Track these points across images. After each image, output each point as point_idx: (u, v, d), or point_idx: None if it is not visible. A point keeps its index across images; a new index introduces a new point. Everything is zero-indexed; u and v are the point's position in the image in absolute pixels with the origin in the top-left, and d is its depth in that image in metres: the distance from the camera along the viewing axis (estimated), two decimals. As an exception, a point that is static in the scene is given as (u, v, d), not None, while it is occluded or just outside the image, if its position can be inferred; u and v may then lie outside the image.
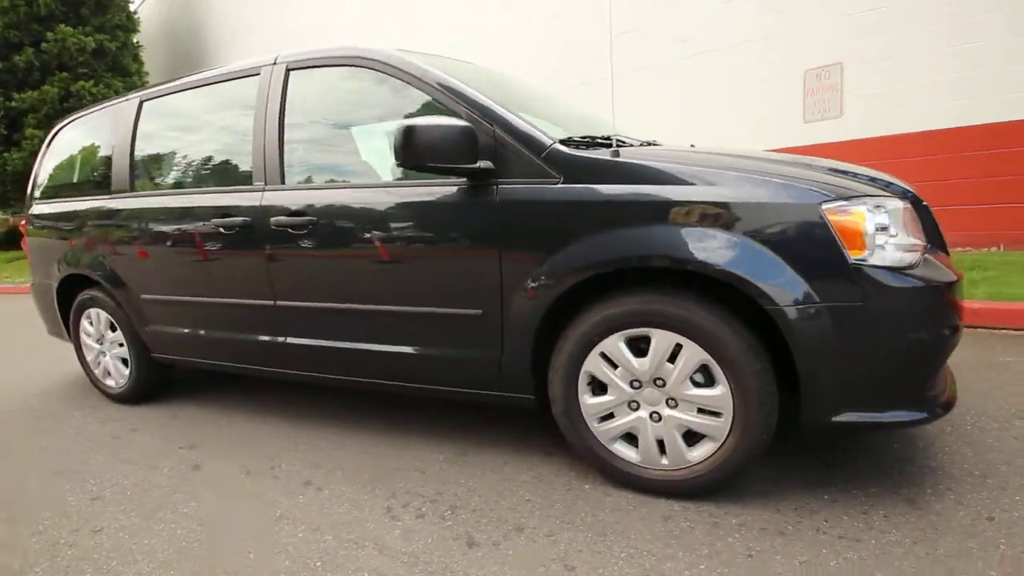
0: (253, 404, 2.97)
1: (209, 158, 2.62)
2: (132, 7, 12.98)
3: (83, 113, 3.20)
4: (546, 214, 1.79)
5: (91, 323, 3.13)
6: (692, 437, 1.76)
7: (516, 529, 1.71)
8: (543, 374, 1.93)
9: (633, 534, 1.64)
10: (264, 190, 2.31)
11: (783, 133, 5.63)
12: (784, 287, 1.54)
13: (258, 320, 2.44)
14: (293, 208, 2.22)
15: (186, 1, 12.82)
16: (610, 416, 1.83)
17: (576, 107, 2.85)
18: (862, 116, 5.29)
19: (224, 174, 2.55)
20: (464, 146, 1.78)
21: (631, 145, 2.12)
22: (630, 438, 1.84)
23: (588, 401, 1.85)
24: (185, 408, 3.01)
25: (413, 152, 1.75)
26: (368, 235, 2.09)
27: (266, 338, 2.44)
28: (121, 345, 3.01)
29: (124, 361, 3.05)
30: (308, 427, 2.60)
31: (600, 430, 1.85)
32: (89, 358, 3.22)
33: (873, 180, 1.78)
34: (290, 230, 2.22)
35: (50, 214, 3.23)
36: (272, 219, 2.25)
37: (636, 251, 1.65)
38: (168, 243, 2.63)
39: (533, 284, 1.81)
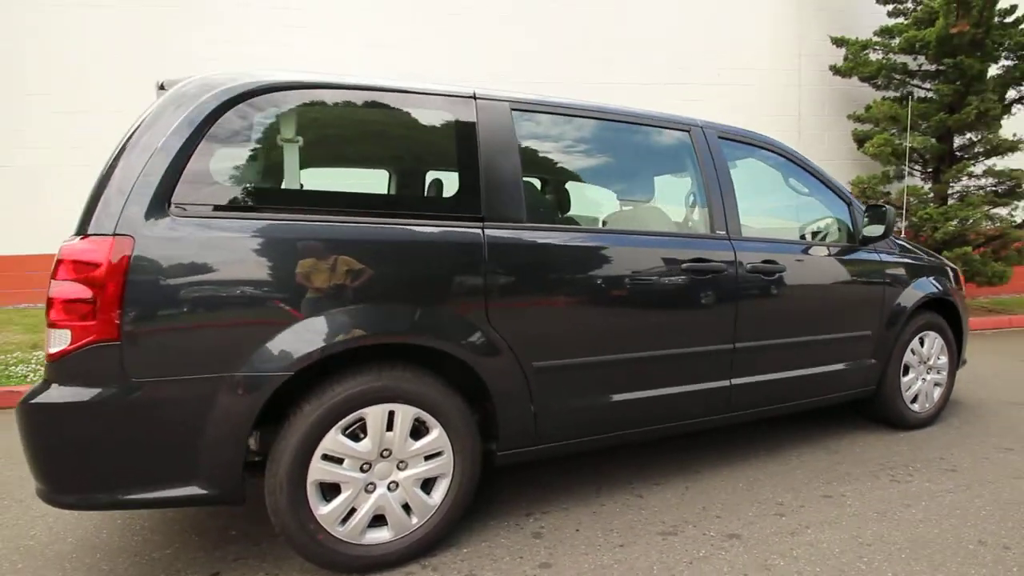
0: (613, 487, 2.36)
1: (635, 198, 2.29)
2: None
3: (312, 81, 1.73)
4: (904, 265, 2.96)
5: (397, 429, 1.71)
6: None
7: (946, 471, 2.69)
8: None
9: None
10: (730, 239, 2.40)
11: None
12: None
13: (708, 366, 2.36)
14: (765, 258, 2.46)
15: None
16: (907, 387, 3.07)
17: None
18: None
19: (655, 217, 2.45)
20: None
21: None
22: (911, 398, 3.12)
23: (903, 379, 3.04)
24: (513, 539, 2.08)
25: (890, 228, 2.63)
26: (818, 282, 2.64)
27: (712, 385, 2.37)
28: (433, 458, 1.83)
29: (423, 486, 1.84)
30: (708, 477, 2.51)
31: (906, 396, 3.06)
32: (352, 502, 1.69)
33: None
34: (762, 277, 2.44)
35: (277, 235, 1.58)
36: (748, 265, 2.39)
37: (933, 291, 3.04)
38: (605, 291, 2.11)
39: (898, 306, 2.90)
